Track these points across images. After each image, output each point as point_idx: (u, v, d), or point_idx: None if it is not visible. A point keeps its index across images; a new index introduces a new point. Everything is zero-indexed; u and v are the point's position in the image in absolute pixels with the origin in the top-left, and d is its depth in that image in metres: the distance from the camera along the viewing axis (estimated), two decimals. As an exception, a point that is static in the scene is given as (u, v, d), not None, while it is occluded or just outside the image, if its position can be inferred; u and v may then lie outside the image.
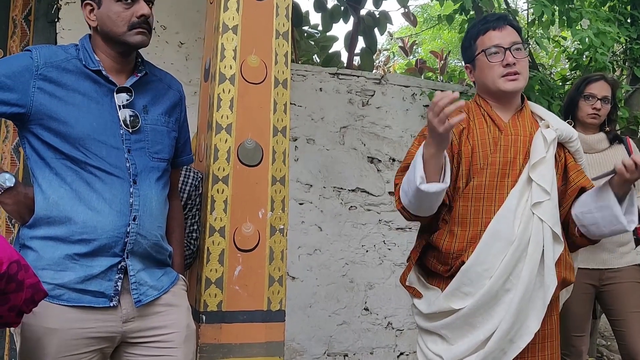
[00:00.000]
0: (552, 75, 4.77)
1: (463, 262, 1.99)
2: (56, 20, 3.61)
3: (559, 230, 2.01)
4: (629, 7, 4.45)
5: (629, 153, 2.98)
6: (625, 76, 4.69)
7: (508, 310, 1.92)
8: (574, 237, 2.10)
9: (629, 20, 4.41)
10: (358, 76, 4.42)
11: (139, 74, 1.86)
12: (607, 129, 3.00)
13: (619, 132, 3.89)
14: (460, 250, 2.01)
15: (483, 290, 1.94)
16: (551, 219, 1.98)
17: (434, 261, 2.09)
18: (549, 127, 2.10)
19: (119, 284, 1.73)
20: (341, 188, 4.25)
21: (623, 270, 2.88)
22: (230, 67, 2.26)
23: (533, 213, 1.98)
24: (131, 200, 1.74)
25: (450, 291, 2.01)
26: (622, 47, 4.39)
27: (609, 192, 1.95)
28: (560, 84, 4.39)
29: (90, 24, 1.82)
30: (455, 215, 2.06)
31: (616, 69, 4.44)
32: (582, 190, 2.09)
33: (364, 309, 4.28)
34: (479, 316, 1.96)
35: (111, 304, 1.71)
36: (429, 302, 2.07)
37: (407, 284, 2.18)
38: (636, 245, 3.03)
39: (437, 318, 2.05)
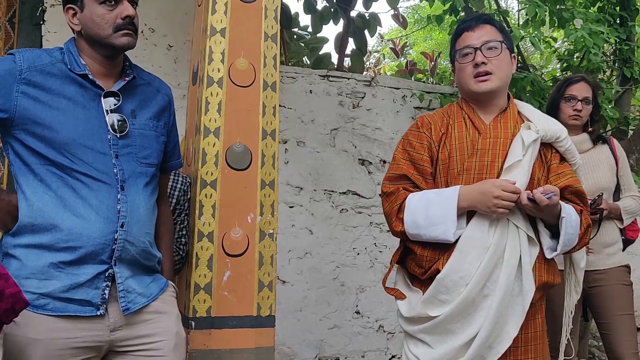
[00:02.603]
0: (543, 76, 4.78)
1: (438, 270, 1.97)
2: (41, 22, 3.58)
3: (532, 233, 1.98)
4: (617, 8, 4.47)
5: (613, 153, 2.98)
6: (615, 77, 4.71)
7: (487, 316, 1.90)
8: None
9: (617, 21, 4.42)
10: (348, 78, 4.41)
11: (127, 78, 1.83)
12: (590, 129, 3.00)
13: (609, 133, 3.90)
14: (434, 254, 2.00)
15: (460, 297, 1.92)
16: (524, 224, 1.97)
17: (413, 264, 2.09)
18: (529, 128, 2.05)
19: (107, 292, 1.70)
20: (332, 191, 4.24)
21: (609, 272, 2.88)
22: (219, 70, 2.24)
23: (508, 219, 1.96)
24: (119, 207, 1.71)
25: (427, 298, 1.99)
26: (612, 47, 4.41)
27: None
28: (551, 84, 4.39)
29: (74, 28, 1.78)
30: None
31: (606, 69, 4.45)
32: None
33: (355, 312, 4.26)
34: (457, 322, 1.95)
35: (98, 313, 1.68)
36: (410, 305, 2.06)
37: (394, 285, 2.16)
38: (625, 247, 3.04)
39: (416, 322, 2.04)
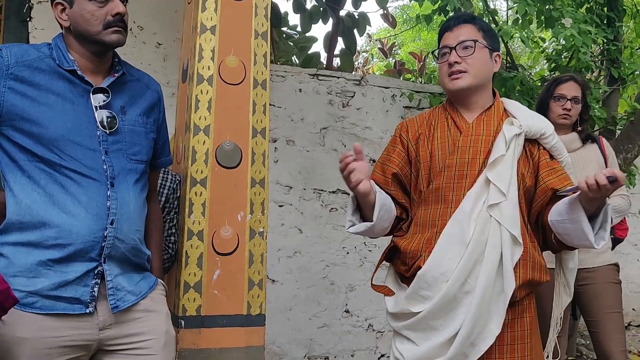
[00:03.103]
0: (531, 76, 4.80)
1: (420, 267, 1.97)
2: (28, 19, 3.54)
3: (517, 232, 1.95)
4: (605, 9, 4.49)
5: (602, 152, 3.00)
6: (602, 77, 4.73)
7: (467, 313, 1.90)
8: (552, 242, 2.08)
9: (605, 22, 4.45)
10: (338, 77, 4.40)
11: (116, 74, 1.82)
12: (579, 128, 3.02)
13: (597, 132, 3.92)
14: (417, 251, 2.01)
15: (441, 293, 1.92)
16: (508, 221, 1.95)
17: (398, 262, 2.09)
18: (512, 123, 2.05)
19: (96, 289, 1.68)
20: (321, 190, 4.23)
21: (598, 270, 2.89)
22: (209, 68, 2.23)
23: (490, 215, 1.96)
24: (108, 204, 1.70)
25: (409, 294, 2.00)
26: (599, 48, 4.43)
27: (579, 207, 1.88)
28: (540, 84, 4.41)
29: (62, 24, 1.76)
30: (417, 218, 2.07)
31: (594, 69, 4.48)
32: (555, 191, 2.05)
33: (345, 311, 4.26)
34: (439, 319, 1.95)
35: (87, 311, 1.66)
36: (396, 301, 2.07)
37: (384, 283, 2.17)
38: (614, 245, 3.05)
39: (401, 319, 2.04)
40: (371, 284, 2.22)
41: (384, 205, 2.03)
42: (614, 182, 1.76)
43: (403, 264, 2.06)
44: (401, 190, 2.16)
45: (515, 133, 2.02)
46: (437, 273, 1.94)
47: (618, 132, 4.33)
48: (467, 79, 2.06)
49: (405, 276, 2.07)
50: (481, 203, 1.97)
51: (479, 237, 1.93)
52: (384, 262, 2.20)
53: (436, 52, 2.18)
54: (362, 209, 2.05)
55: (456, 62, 2.06)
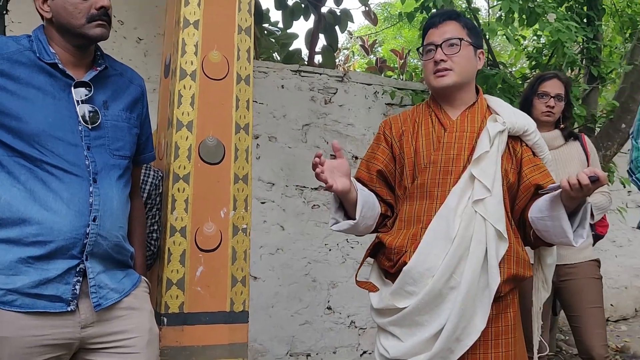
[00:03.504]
0: (512, 74, 4.83)
1: (405, 263, 1.98)
2: (5, 12, 3.48)
3: (502, 227, 1.97)
4: (585, 8, 4.54)
5: (584, 150, 3.03)
6: (582, 75, 4.78)
7: (453, 309, 1.91)
8: (530, 238, 2.10)
9: (585, 21, 4.50)
10: (320, 74, 4.39)
11: (99, 68, 1.78)
12: (562, 126, 3.05)
13: (577, 130, 3.96)
14: (402, 247, 2.01)
15: (426, 289, 1.93)
16: (493, 217, 1.96)
17: (383, 258, 2.10)
18: (496, 120, 2.07)
19: (77, 287, 1.65)
20: (304, 186, 4.22)
21: (580, 266, 2.93)
22: (192, 63, 2.21)
23: (475, 211, 1.97)
24: (91, 200, 1.67)
25: (394, 290, 2.01)
26: (579, 46, 4.48)
27: (560, 204, 1.91)
28: (520, 82, 4.44)
29: (44, 15, 1.73)
30: (402, 214, 2.08)
31: (574, 68, 4.53)
32: (538, 187, 2.06)
33: (327, 308, 4.26)
34: (425, 315, 1.96)
35: (69, 309, 1.63)
36: (380, 297, 2.07)
37: (368, 279, 2.17)
38: (594, 242, 3.09)
39: (386, 314, 2.05)
40: (355, 280, 2.22)
41: (367, 203, 2.04)
42: (595, 181, 1.78)
43: (388, 260, 2.06)
44: (386, 187, 2.16)
45: (499, 130, 2.03)
46: (422, 269, 1.95)
47: (597, 129, 4.38)
48: (453, 76, 2.07)
49: (390, 272, 2.07)
50: (466, 199, 1.98)
51: (464, 233, 1.94)
52: (368, 258, 2.20)
53: (421, 49, 2.18)
54: (345, 207, 2.05)
55: (442, 60, 2.06)
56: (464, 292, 1.91)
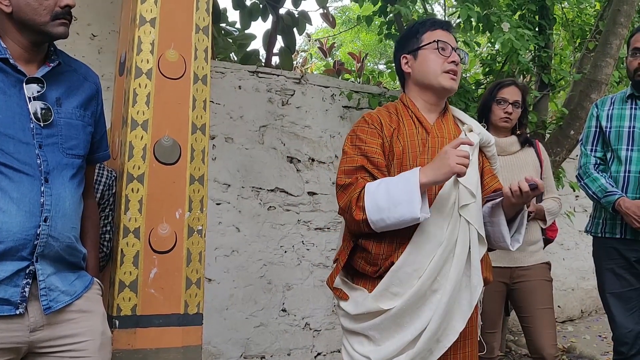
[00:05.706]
0: (467, 79, 4.92)
1: (392, 263, 1.98)
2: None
3: (483, 232, 2.04)
4: (537, 17, 4.66)
5: (538, 155, 3.11)
6: (534, 82, 4.90)
7: (436, 310, 1.94)
8: None
9: (537, 29, 4.61)
10: (278, 75, 4.38)
11: (52, 64, 1.74)
12: (518, 132, 3.13)
13: (528, 136, 4.06)
14: (390, 252, 2.01)
15: (412, 290, 1.95)
16: (477, 221, 2.02)
17: (362, 262, 2.06)
18: (472, 131, 2.13)
19: (27, 289, 1.61)
20: (260, 188, 4.20)
21: (532, 269, 3.01)
22: (147, 62, 2.17)
23: (460, 215, 2.00)
24: (42, 200, 1.62)
25: (379, 292, 2.00)
26: (531, 54, 4.59)
27: (500, 211, 2.03)
28: (474, 87, 4.53)
29: (4, 9, 1.66)
30: None
31: (526, 75, 4.64)
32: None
33: (282, 310, 4.25)
34: (406, 316, 1.97)
35: (17, 312, 1.59)
36: (357, 303, 2.05)
37: (334, 286, 2.15)
38: (545, 245, 3.18)
39: (364, 319, 2.03)
40: (331, 286, 2.17)
41: None
42: (534, 189, 1.91)
43: (371, 265, 2.03)
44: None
45: (477, 140, 2.11)
46: (410, 269, 1.96)
47: (547, 135, 4.50)
48: (457, 82, 2.14)
49: (370, 276, 2.05)
50: (451, 203, 2.01)
51: (450, 236, 1.98)
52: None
53: (423, 42, 2.14)
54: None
55: (457, 64, 2.11)
56: (448, 294, 1.94)
